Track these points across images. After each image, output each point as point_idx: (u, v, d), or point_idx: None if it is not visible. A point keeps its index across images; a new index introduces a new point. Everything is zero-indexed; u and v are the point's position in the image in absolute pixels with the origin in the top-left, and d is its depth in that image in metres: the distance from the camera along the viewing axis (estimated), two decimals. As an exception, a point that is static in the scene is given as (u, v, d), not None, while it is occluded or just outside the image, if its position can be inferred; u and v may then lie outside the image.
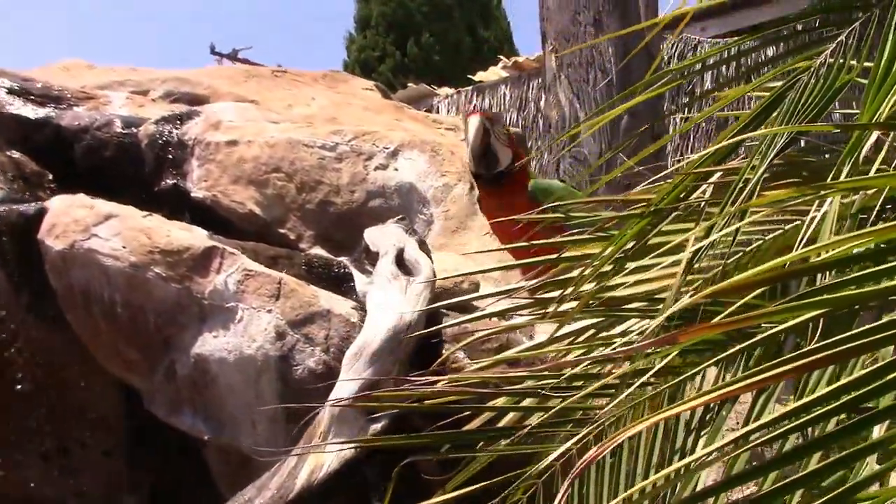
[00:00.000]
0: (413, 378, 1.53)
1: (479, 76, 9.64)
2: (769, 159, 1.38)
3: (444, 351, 2.55)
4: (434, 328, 2.20)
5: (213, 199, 3.97)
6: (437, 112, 8.45)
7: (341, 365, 2.48)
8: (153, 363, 2.85)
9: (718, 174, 1.45)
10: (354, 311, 2.77)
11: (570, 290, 1.45)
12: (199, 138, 4.21)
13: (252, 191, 3.90)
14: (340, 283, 3.27)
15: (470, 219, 3.53)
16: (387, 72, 19.13)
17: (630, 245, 1.44)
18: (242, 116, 4.33)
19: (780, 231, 1.66)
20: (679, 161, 6.95)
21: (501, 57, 9.13)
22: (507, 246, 2.42)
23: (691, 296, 1.34)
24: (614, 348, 1.65)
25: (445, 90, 9.51)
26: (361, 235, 3.79)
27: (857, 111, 1.47)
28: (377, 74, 18.29)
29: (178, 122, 4.38)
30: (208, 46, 17.30)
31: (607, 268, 1.44)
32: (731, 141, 1.46)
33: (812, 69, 1.44)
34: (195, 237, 2.86)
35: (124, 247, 2.83)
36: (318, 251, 3.75)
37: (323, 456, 2.34)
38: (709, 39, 7.23)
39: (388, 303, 2.53)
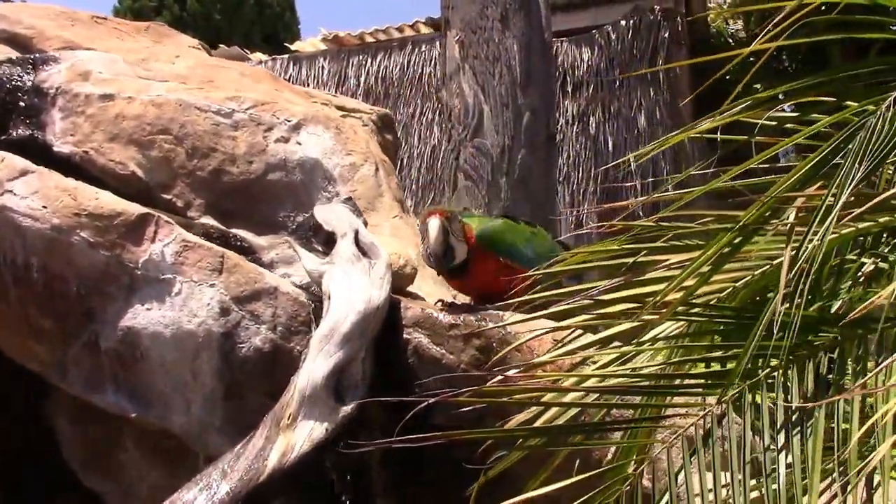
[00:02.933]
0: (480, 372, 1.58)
1: (297, 46, 9.46)
2: (849, 189, 1.58)
3: (405, 335, 2.58)
4: (504, 323, 2.20)
5: (85, 156, 3.65)
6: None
7: (309, 346, 2.45)
8: (70, 334, 2.65)
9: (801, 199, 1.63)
10: (302, 291, 2.72)
11: (672, 286, 1.57)
12: (63, 88, 3.85)
13: (133, 151, 3.63)
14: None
15: (377, 200, 3.53)
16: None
17: (727, 250, 1.58)
18: (112, 69, 4.02)
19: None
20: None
21: (321, 28, 9.02)
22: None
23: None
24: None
25: (259, 55, 9.24)
26: (256, 207, 3.67)
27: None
28: (153, 26, 17.26)
29: (31, 66, 3.99)
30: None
31: (705, 269, 1.57)
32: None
33: (879, 113, 1.65)
34: (126, 202, 2.67)
35: (45, 207, 2.60)
36: (208, 220, 3.58)
37: (293, 437, 2.31)
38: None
39: (354, 285, 2.52)
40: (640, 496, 1.58)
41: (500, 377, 1.81)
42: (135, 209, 2.69)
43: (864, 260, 1.84)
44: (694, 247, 1.74)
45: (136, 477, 3.33)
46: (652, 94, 7.68)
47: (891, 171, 1.89)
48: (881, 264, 1.83)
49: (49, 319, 2.63)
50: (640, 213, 7.45)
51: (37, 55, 4.09)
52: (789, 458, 1.50)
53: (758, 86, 8.23)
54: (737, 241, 1.64)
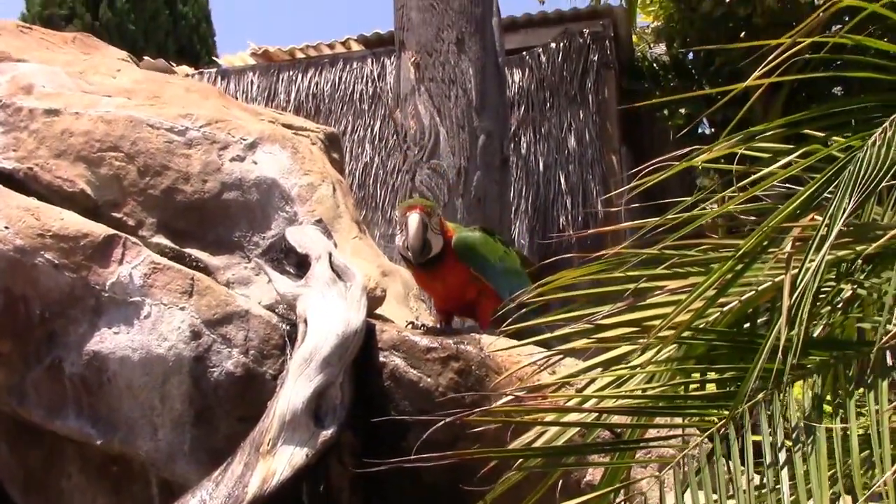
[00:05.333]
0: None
1: (225, 59, 9.33)
2: (842, 220, 1.66)
3: (381, 358, 2.58)
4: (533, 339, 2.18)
5: (30, 172, 3.54)
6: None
7: (287, 370, 2.42)
8: (30, 358, 2.56)
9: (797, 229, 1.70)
10: (273, 313, 2.69)
11: (680, 309, 1.63)
12: (4, 101, 3.73)
13: (82, 168, 3.54)
14: (191, 276, 3.10)
15: (337, 221, 3.51)
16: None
17: (730, 276, 1.65)
18: (55, 83, 3.92)
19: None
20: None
21: (250, 42, 8.92)
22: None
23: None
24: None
25: (185, 69, 9.06)
26: (210, 227, 3.61)
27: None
28: (64, 35, 16.74)
29: (-35, 78, 3.87)
30: None
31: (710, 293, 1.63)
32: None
33: (865, 147, 1.74)
34: (92, 223, 2.61)
35: (7, 227, 2.52)
36: (161, 240, 3.51)
37: (274, 463, 2.28)
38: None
39: (331, 308, 2.50)
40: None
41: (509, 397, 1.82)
42: (101, 230, 2.62)
43: (841, 286, 1.93)
44: (694, 273, 1.80)
45: (80, 503, 3.24)
46: (581, 115, 7.85)
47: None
48: (859, 290, 1.93)
49: (8, 342, 2.54)
50: (571, 232, 7.62)
51: (-32, 66, 3.96)
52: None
53: (682, 110, 8.45)
54: (738, 267, 1.71)
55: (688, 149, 2.05)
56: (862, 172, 1.72)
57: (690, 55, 8.66)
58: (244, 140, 3.62)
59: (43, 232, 2.53)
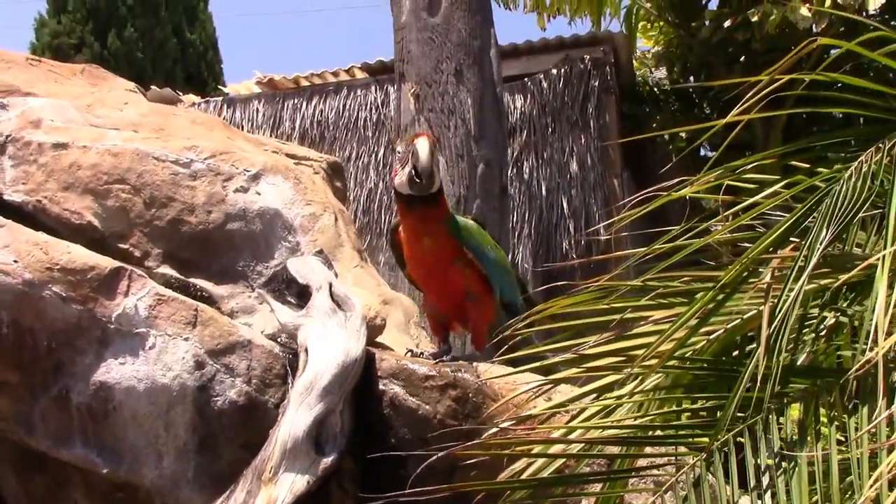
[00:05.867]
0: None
1: (231, 88, 9.45)
2: (819, 251, 1.72)
3: (381, 386, 2.64)
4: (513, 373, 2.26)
5: (38, 205, 3.63)
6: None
7: (289, 399, 2.48)
8: (36, 388, 2.62)
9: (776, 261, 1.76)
10: (275, 343, 2.75)
11: (664, 337, 1.68)
12: (14, 136, 3.83)
13: (89, 200, 3.63)
14: (196, 306, 3.16)
15: (338, 250, 3.58)
16: (83, 63, 17.79)
17: (711, 306, 1.70)
18: (63, 117, 4.01)
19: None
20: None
21: (256, 71, 9.05)
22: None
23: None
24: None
25: (191, 97, 9.19)
26: (215, 257, 3.68)
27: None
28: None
29: (-23, 113, 3.96)
30: None
31: (692, 322, 1.69)
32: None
33: (842, 181, 1.80)
34: (98, 256, 2.68)
35: (16, 261, 2.59)
36: (166, 270, 3.58)
37: (275, 491, 2.33)
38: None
39: (331, 338, 2.56)
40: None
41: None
42: (107, 263, 2.69)
43: (825, 314, 1.98)
44: (678, 303, 1.86)
45: (85, 531, 3.28)
46: (583, 139, 7.93)
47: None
48: (841, 318, 1.98)
49: (15, 373, 2.60)
50: (574, 256, 7.68)
51: (-18, 101, 4.05)
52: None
53: (683, 134, 8.51)
54: (719, 297, 1.76)
55: (676, 179, 2.12)
56: (838, 205, 1.78)
57: (691, 78, 8.75)
58: (248, 171, 3.70)
59: (51, 266, 2.60)
